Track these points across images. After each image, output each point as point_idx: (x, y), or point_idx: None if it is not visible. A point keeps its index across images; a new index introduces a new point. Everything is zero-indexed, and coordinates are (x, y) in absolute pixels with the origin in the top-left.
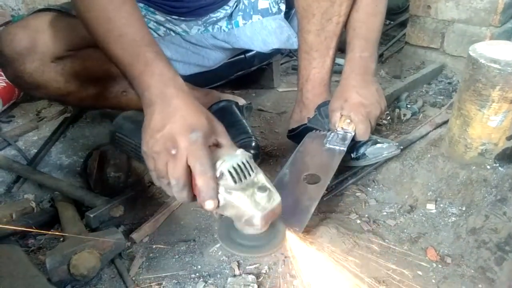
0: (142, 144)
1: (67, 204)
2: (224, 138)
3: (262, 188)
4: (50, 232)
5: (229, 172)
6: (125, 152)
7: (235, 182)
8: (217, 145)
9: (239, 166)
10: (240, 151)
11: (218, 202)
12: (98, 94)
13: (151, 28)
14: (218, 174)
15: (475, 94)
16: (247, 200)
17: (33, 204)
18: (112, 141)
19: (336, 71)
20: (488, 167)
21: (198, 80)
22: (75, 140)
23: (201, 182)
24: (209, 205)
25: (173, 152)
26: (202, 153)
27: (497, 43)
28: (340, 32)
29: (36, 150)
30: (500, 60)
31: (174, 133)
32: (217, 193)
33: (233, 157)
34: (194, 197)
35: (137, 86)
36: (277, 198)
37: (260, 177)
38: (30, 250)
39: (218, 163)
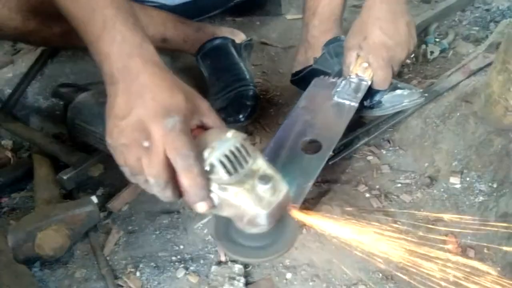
0: (106, 134)
1: (42, 158)
2: (210, 117)
3: (264, 178)
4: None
5: (221, 162)
6: (91, 144)
7: (229, 174)
8: (203, 127)
9: (232, 153)
10: (231, 133)
11: (212, 202)
12: (64, 32)
13: None
14: (207, 168)
15: None
16: (247, 195)
17: (9, 154)
18: (70, 132)
19: None
20: None
21: (190, 10)
22: (54, 79)
23: (187, 181)
24: (201, 207)
25: (146, 144)
26: (183, 143)
27: None
28: None
29: (10, 90)
30: None
31: (144, 120)
32: (209, 191)
33: (224, 142)
34: (181, 194)
35: (94, 55)
36: (283, 188)
37: (260, 163)
38: (2, 212)
39: (206, 153)
